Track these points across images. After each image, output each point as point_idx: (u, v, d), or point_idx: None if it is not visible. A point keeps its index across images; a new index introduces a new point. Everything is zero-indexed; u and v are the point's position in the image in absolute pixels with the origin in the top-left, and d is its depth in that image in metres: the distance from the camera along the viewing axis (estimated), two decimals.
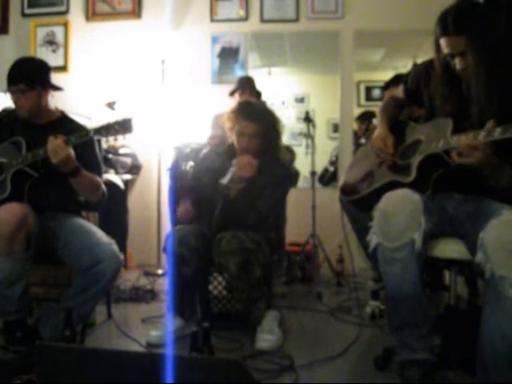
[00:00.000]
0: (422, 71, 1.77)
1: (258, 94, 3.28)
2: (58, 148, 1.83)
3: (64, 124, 2.10)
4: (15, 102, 2.01)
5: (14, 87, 1.98)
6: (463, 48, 1.49)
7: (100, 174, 2.09)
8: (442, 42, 1.53)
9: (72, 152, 1.86)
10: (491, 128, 1.41)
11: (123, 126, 1.85)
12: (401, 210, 1.54)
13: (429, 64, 1.74)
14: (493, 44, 1.48)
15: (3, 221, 1.73)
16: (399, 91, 1.92)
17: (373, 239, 1.59)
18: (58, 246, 1.92)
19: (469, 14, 1.48)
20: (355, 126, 3.82)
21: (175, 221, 2.33)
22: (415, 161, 1.63)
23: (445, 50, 1.53)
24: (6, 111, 2.19)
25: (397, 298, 1.57)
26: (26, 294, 1.85)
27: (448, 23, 1.49)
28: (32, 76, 2.01)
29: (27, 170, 1.94)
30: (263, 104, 2.50)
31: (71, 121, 2.14)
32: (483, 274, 1.41)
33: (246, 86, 3.27)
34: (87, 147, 2.04)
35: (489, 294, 1.42)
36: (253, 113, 2.23)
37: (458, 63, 1.53)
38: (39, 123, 2.07)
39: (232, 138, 2.28)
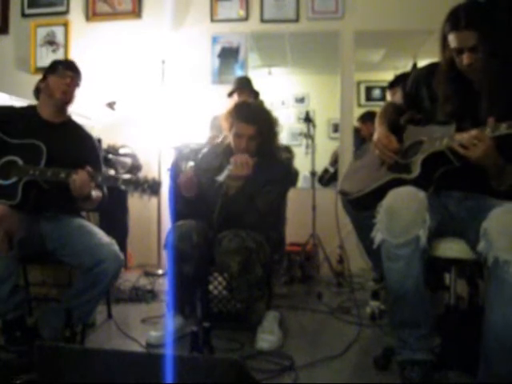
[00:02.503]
0: (423, 75, 1.78)
1: (256, 94, 3.28)
2: (83, 184, 1.84)
3: (73, 128, 2.16)
4: (68, 84, 2.05)
5: (73, 73, 2.08)
6: (473, 43, 1.49)
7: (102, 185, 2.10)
8: (451, 36, 1.53)
9: (93, 185, 1.89)
10: (492, 123, 1.41)
11: (151, 189, 1.84)
12: (406, 206, 1.54)
13: (429, 68, 1.75)
14: (503, 39, 1.49)
15: None
16: (398, 98, 1.92)
17: (377, 236, 1.59)
18: (58, 246, 1.92)
19: (480, 10, 1.50)
20: (356, 125, 3.82)
21: (176, 195, 2.31)
22: (419, 158, 1.63)
23: (453, 44, 1.54)
24: (18, 108, 2.20)
25: (399, 295, 1.57)
26: (17, 294, 1.82)
27: (459, 18, 1.50)
28: (74, 66, 2.13)
29: (41, 182, 1.94)
30: (260, 104, 2.50)
31: (79, 126, 2.19)
32: (485, 262, 1.40)
33: (245, 86, 3.27)
34: (94, 155, 2.10)
35: (492, 283, 1.41)
36: (250, 115, 2.23)
37: (465, 59, 1.53)
38: (53, 122, 2.09)
39: (229, 137, 2.28)
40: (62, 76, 2.05)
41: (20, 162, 1.95)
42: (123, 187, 1.85)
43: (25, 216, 1.89)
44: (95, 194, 1.96)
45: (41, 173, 1.90)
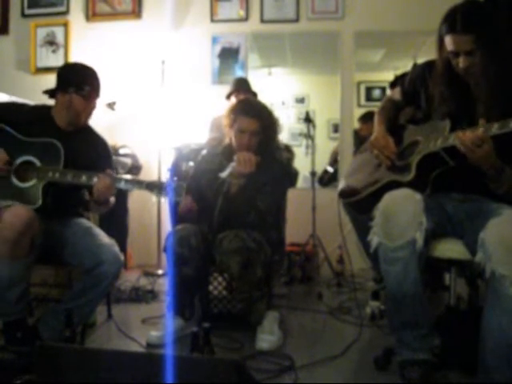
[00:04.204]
0: (420, 73, 1.77)
1: (253, 95, 3.28)
2: (107, 189, 1.83)
3: (88, 134, 2.10)
4: (77, 104, 1.96)
5: (97, 94, 2.01)
6: (470, 47, 1.48)
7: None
8: (448, 39, 1.52)
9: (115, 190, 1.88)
10: (484, 124, 1.41)
11: (176, 191, 1.82)
12: (402, 209, 1.54)
13: (426, 66, 1.75)
14: (500, 43, 1.48)
15: (9, 225, 1.68)
16: (396, 93, 1.92)
17: (374, 239, 1.59)
18: (60, 246, 1.92)
19: (478, 13, 1.48)
20: (357, 126, 3.82)
21: (176, 218, 2.33)
22: (414, 160, 1.63)
23: (450, 47, 1.52)
24: (32, 106, 2.13)
25: (397, 297, 1.57)
26: (25, 296, 1.83)
27: (456, 21, 1.48)
28: (99, 86, 2.05)
29: (61, 184, 1.90)
30: (260, 101, 2.51)
31: (93, 132, 2.14)
32: (483, 273, 1.41)
33: (242, 87, 3.27)
34: (108, 161, 2.09)
35: (489, 294, 1.42)
36: (253, 110, 2.25)
37: (461, 62, 1.52)
38: (66, 130, 2.03)
39: (230, 135, 2.28)
40: (89, 100, 1.99)
41: (37, 162, 1.91)
42: (147, 191, 1.84)
43: (43, 219, 1.89)
44: (111, 202, 1.98)
45: (61, 175, 1.87)
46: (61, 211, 1.99)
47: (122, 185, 1.86)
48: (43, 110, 2.06)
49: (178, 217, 2.29)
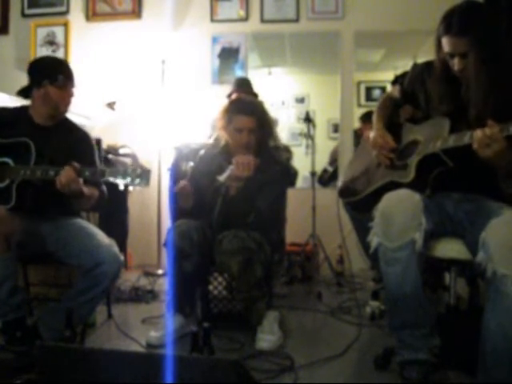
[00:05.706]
0: (418, 73, 1.78)
1: (254, 96, 3.28)
2: (70, 181, 1.81)
3: (67, 128, 2.11)
4: (53, 95, 1.99)
5: (72, 82, 2.06)
6: (464, 49, 1.49)
7: (99, 183, 2.04)
8: (444, 40, 1.53)
9: (81, 182, 1.85)
10: (494, 124, 1.40)
11: (140, 177, 1.77)
12: (401, 209, 1.54)
13: (425, 66, 1.76)
14: (494, 47, 1.49)
15: None
16: (395, 90, 1.92)
17: (374, 240, 1.59)
18: (58, 248, 1.92)
19: (473, 16, 1.49)
20: (357, 125, 3.81)
21: (176, 213, 2.31)
22: (413, 161, 1.63)
23: (446, 48, 1.54)
24: (11, 109, 2.15)
25: (397, 297, 1.57)
26: (16, 295, 1.82)
27: (452, 23, 1.49)
28: (72, 75, 2.08)
29: (35, 181, 1.91)
30: (253, 98, 2.50)
31: (73, 126, 2.15)
32: (484, 273, 1.41)
33: (242, 87, 3.27)
34: (89, 154, 2.08)
35: (490, 293, 1.42)
36: (248, 107, 2.24)
37: (456, 64, 1.53)
38: (46, 125, 2.06)
39: (226, 137, 2.28)
40: (65, 89, 2.03)
41: (11, 162, 1.94)
42: (111, 179, 1.79)
43: (23, 218, 1.89)
44: (88, 190, 1.92)
45: (31, 172, 1.88)
46: (48, 211, 1.99)
47: (86, 175, 1.83)
48: (21, 110, 2.09)
49: (177, 209, 2.28)
